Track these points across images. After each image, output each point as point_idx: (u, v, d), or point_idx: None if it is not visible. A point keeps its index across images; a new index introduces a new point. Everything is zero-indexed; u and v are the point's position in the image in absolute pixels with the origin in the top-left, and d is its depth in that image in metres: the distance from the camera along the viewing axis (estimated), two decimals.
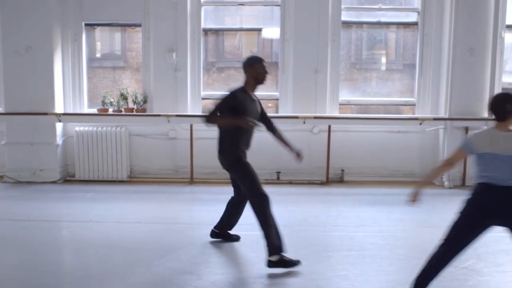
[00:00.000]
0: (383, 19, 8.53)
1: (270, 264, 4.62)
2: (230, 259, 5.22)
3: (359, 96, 8.69)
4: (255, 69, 4.99)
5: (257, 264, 4.84)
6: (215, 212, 6.61)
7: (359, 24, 8.67)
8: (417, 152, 8.46)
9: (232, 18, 9.19)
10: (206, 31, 8.65)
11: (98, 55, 9.21)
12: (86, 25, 8.46)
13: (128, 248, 5.34)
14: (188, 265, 4.87)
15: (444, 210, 6.80)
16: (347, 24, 8.53)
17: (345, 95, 8.58)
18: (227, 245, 5.47)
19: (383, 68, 8.88)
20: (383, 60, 8.92)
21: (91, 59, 8.85)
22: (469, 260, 5.00)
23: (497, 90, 8.32)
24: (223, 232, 5.49)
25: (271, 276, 4.60)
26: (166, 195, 7.63)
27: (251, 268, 4.88)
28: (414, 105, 8.55)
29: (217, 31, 8.85)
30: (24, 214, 6.48)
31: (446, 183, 8.07)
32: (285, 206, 7.09)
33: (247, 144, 5.23)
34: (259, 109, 5.22)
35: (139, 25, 8.39)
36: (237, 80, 8.78)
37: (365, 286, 4.43)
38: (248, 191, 4.89)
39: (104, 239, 5.60)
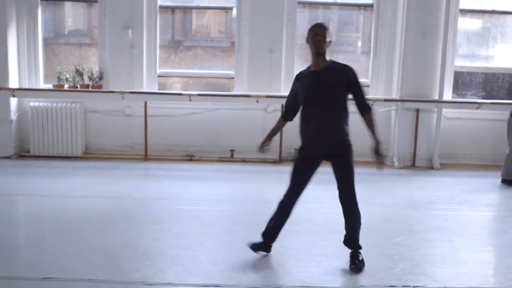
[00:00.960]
0: (339, 0, 8.60)
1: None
2: (169, 232, 5.32)
3: None
4: (308, 40, 4.35)
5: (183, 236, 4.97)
6: (165, 188, 6.78)
7: (315, 4, 8.73)
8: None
9: None
10: (165, 8, 8.66)
11: (65, 31, 9.16)
12: (42, 0, 8.40)
13: (67, 220, 5.42)
14: (126, 236, 4.97)
15: (388, 190, 7.03)
16: (303, 5, 8.59)
17: None
18: (169, 218, 5.57)
19: (339, 49, 8.96)
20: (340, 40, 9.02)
21: (58, 35, 8.83)
22: (400, 235, 5.19)
23: (449, 73, 8.52)
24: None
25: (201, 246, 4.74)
26: (119, 171, 7.69)
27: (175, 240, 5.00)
28: (368, 86, 8.68)
29: (184, 9, 8.84)
30: None
31: (396, 163, 8.25)
32: (234, 183, 7.23)
33: (307, 135, 4.54)
34: (331, 81, 4.31)
35: (95, 1, 8.35)
36: (204, 59, 8.85)
37: (294, 258, 4.57)
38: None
39: (45, 212, 5.68)
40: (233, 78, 8.61)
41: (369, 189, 6.60)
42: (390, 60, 8.41)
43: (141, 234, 5.09)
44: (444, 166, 8.33)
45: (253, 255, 4.53)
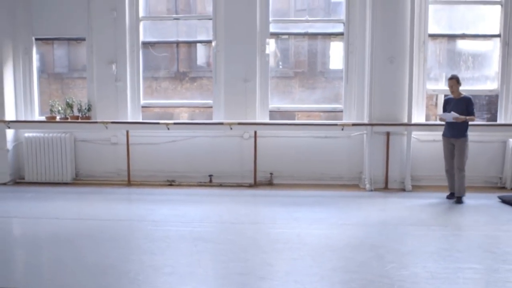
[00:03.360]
0: (311, 30, 8.98)
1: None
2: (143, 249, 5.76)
3: (288, 103, 9.14)
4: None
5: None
6: (130, 210, 7.27)
7: (288, 35, 9.14)
8: (344, 156, 8.86)
9: (177, 32, 9.73)
10: (147, 44, 9.25)
11: (63, 68, 9.89)
12: (37, 39, 9.17)
13: (59, 239, 5.95)
14: (113, 254, 5.43)
15: (349, 211, 7.24)
16: (276, 35, 9.03)
17: (275, 103, 9.05)
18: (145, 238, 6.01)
19: (314, 76, 9.31)
20: (314, 69, 9.36)
21: (51, 71, 9.59)
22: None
23: (421, 96, 8.71)
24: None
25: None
26: (103, 196, 8.21)
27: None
28: (342, 111, 8.96)
29: (156, 44, 9.41)
30: None
31: (367, 186, 8.45)
32: (209, 206, 7.60)
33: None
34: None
35: (84, 39, 9.05)
36: (208, 89, 9.30)
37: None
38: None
39: (39, 232, 6.28)
40: (211, 107, 9.07)
41: (332, 210, 7.16)
42: (361, 86, 8.68)
43: (126, 250, 5.57)
44: (416, 188, 8.47)
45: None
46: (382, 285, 4.55)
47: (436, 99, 9.23)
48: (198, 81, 9.99)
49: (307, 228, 6.33)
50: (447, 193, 7.90)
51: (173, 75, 9.92)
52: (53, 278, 4.91)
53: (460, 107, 7.58)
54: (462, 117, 7.51)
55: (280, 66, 9.43)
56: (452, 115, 7.58)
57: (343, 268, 5.01)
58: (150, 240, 5.88)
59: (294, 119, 9.21)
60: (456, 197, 7.67)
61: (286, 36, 9.23)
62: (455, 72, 8.41)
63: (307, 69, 9.30)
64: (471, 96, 7.71)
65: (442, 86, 8.86)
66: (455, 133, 7.66)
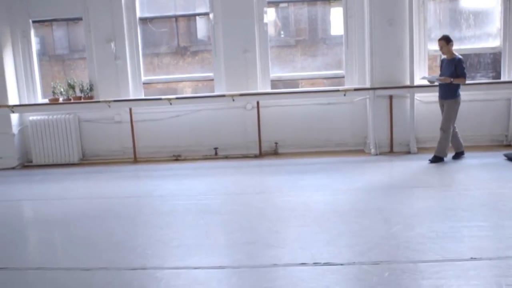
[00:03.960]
0: None
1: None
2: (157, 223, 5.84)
3: (289, 71, 9.10)
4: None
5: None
6: (136, 187, 7.36)
7: (287, 2, 9.05)
8: (348, 122, 8.85)
9: (174, 6, 9.65)
10: (146, 20, 9.20)
11: (64, 50, 9.89)
12: (34, 22, 9.14)
13: (69, 218, 6.04)
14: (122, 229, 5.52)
15: (353, 176, 7.27)
16: (274, 4, 8.93)
17: (276, 72, 9.01)
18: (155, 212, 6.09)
19: (313, 43, 9.24)
20: (315, 36, 9.28)
21: (50, 52, 9.59)
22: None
23: (423, 58, 8.63)
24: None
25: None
26: (110, 174, 8.29)
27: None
28: (343, 77, 8.91)
29: (154, 19, 9.35)
30: None
31: (372, 150, 8.45)
32: (215, 178, 7.64)
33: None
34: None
35: (81, 19, 9.01)
36: (210, 62, 9.25)
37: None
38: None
39: (49, 212, 6.37)
40: (212, 79, 9.05)
41: (337, 176, 7.22)
42: (362, 50, 8.61)
43: (133, 226, 5.64)
44: (422, 150, 8.45)
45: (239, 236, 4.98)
46: (388, 247, 4.57)
47: (441, 59, 9.12)
48: (199, 55, 9.96)
49: (313, 195, 6.36)
50: (452, 153, 7.90)
51: (174, 50, 9.90)
52: (63, 255, 5.01)
53: (449, 68, 7.55)
54: (447, 78, 7.47)
55: (282, 35, 9.36)
56: (435, 77, 7.57)
57: (349, 232, 5.04)
58: (156, 215, 5.94)
59: (297, 88, 9.18)
60: (434, 156, 7.71)
61: (285, 4, 9.14)
62: (456, 31, 8.31)
63: (308, 37, 9.22)
64: (461, 57, 7.61)
65: None
66: (443, 94, 7.68)
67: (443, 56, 7.76)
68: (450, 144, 7.79)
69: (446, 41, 7.54)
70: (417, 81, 8.43)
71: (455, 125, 7.78)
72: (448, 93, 7.60)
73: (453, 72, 7.49)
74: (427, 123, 8.58)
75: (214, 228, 5.42)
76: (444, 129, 7.62)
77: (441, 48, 7.62)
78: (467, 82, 7.66)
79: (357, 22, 8.60)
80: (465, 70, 7.52)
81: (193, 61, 9.76)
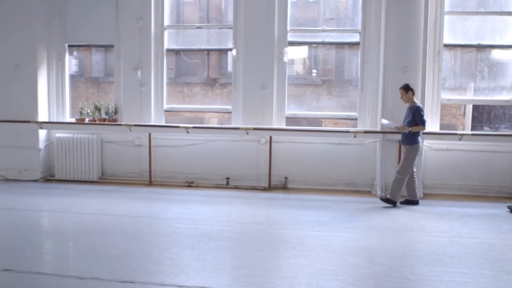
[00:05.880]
0: (327, 40, 9.26)
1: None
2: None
3: (306, 110, 9.41)
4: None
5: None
6: (145, 208, 7.75)
7: (305, 44, 9.44)
8: (357, 163, 9.06)
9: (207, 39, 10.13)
10: (179, 51, 9.73)
11: (100, 73, 10.50)
12: (69, 46, 9.79)
13: (84, 232, 6.51)
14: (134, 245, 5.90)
15: (352, 216, 7.45)
16: (294, 44, 9.33)
17: (292, 109, 9.34)
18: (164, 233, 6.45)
19: (329, 84, 9.56)
20: (330, 77, 9.61)
21: (82, 75, 10.22)
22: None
23: (435, 106, 8.83)
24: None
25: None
26: (125, 194, 8.68)
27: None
28: (356, 119, 9.17)
29: (180, 51, 9.87)
30: None
31: (378, 192, 8.61)
32: (225, 206, 7.92)
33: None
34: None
35: (112, 46, 9.60)
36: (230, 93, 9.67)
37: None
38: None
39: (66, 225, 6.84)
40: (230, 112, 9.44)
41: (338, 214, 7.48)
42: (375, 94, 8.88)
43: (134, 243, 6.02)
44: (428, 196, 8.58)
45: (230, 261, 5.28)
46: (366, 285, 4.78)
47: (464, 109, 9.30)
48: (228, 87, 10.37)
49: (309, 230, 6.59)
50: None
51: (204, 80, 10.34)
52: (62, 263, 5.39)
53: (408, 116, 7.93)
54: (405, 128, 7.82)
55: (314, 74, 9.66)
56: (393, 125, 7.99)
57: (332, 268, 5.25)
58: (157, 235, 6.29)
59: (320, 126, 9.49)
60: (386, 197, 8.02)
61: (306, 46, 9.52)
62: (471, 82, 8.51)
63: (333, 77, 9.57)
64: (420, 105, 7.97)
65: (457, 96, 8.98)
66: (403, 140, 8.03)
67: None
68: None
69: (405, 90, 7.90)
70: (429, 128, 8.59)
71: (414, 172, 8.04)
72: (405, 139, 7.92)
73: (412, 119, 7.78)
74: (435, 169, 8.73)
75: (207, 252, 5.71)
76: (399, 172, 7.91)
77: (401, 97, 7.96)
78: (425, 130, 7.96)
79: (373, 66, 8.90)
80: (423, 118, 7.80)
81: (221, 92, 10.17)
